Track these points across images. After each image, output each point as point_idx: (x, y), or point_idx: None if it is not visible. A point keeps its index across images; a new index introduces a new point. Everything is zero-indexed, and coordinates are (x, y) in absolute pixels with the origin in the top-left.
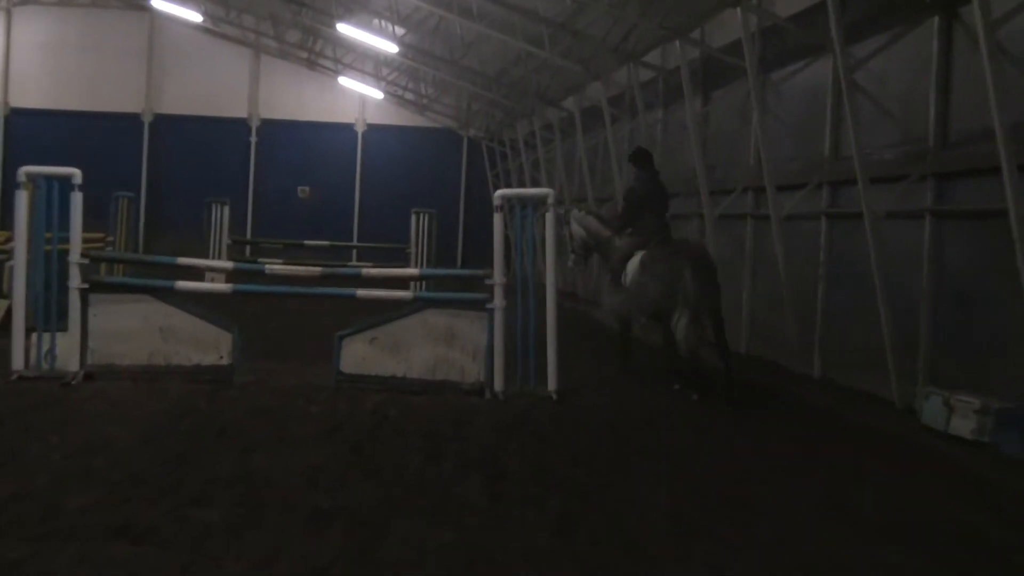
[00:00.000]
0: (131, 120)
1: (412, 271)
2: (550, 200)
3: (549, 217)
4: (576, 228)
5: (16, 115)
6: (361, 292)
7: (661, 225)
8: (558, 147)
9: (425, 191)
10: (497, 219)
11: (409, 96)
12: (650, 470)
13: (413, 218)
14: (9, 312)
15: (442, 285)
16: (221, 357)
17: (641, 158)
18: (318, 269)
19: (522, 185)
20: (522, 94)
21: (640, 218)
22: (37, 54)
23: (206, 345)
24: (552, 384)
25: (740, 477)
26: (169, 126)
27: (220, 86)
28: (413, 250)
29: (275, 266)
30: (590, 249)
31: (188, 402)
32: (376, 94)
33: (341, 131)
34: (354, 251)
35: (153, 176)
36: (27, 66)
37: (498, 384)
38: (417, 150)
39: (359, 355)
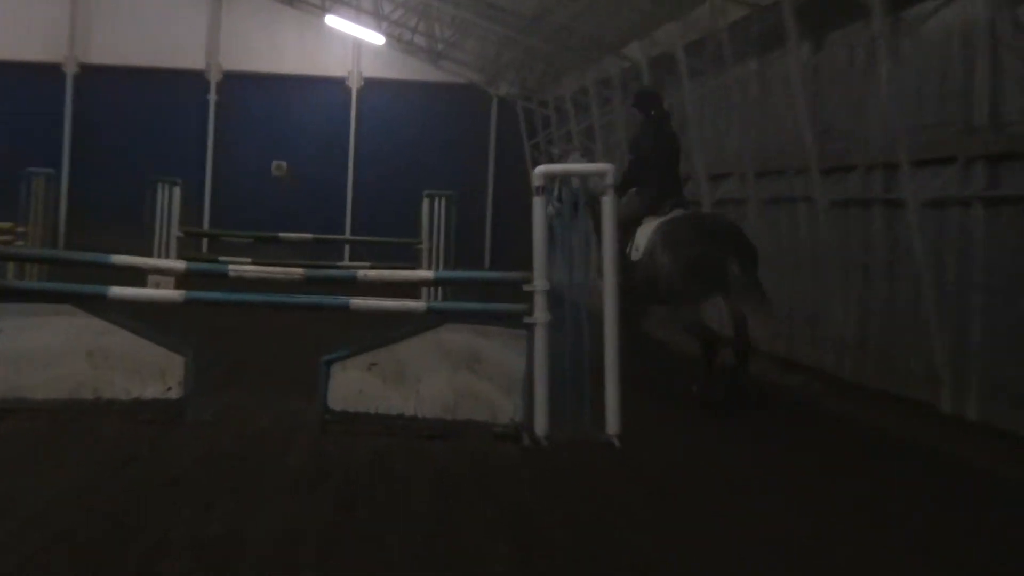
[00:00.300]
0: (49, 73)
1: (424, 273)
2: (609, 178)
3: (607, 202)
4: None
5: None
6: (356, 302)
7: (673, 185)
8: (618, 108)
9: (441, 168)
10: (538, 204)
11: (419, 41)
12: (755, 559)
13: (425, 203)
14: None
15: (464, 292)
16: (169, 388)
17: (647, 101)
18: (299, 271)
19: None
20: (570, 38)
21: (648, 175)
22: None
23: (149, 372)
24: (612, 426)
25: None
26: (100, 81)
27: (167, 28)
28: (425, 246)
29: (242, 267)
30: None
31: (126, 447)
32: (375, 38)
33: (329, 88)
34: (347, 247)
35: (79, 147)
36: None
37: (540, 426)
38: (430, 113)
39: (353, 386)
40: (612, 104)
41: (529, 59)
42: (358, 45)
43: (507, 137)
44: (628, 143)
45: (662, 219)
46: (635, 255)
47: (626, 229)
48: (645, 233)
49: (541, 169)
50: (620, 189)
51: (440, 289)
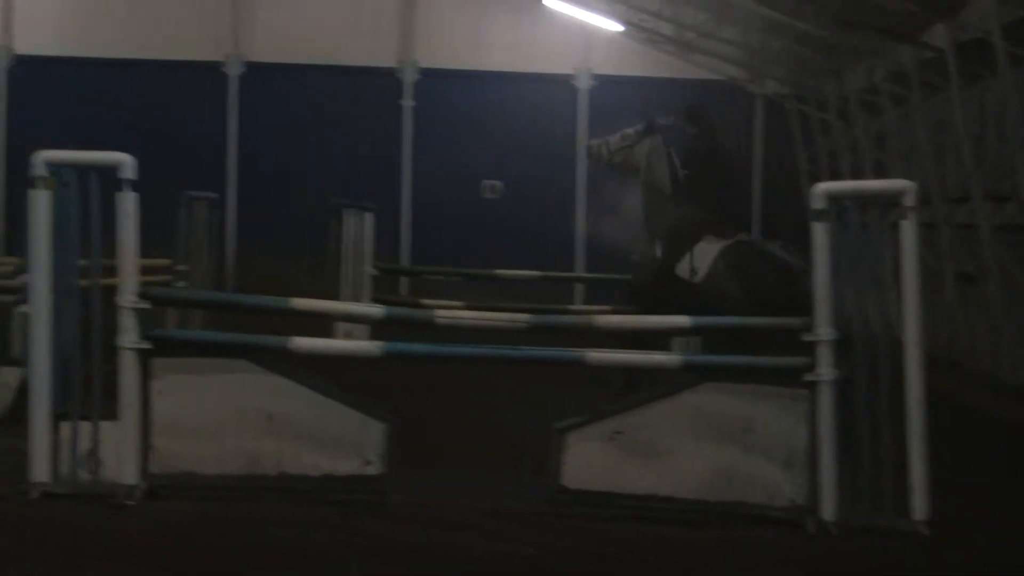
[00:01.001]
0: (209, 73)
1: (679, 320)
2: (908, 199)
3: (907, 227)
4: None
5: (23, 65)
6: (594, 355)
7: (727, 204)
8: (916, 109)
9: None
10: (821, 231)
11: (665, 30)
12: None
13: None
14: (23, 389)
15: (727, 343)
16: (368, 463)
17: (698, 116)
18: (523, 317)
19: (858, 174)
20: (854, 22)
21: (702, 192)
22: None
23: (343, 443)
24: (919, 510)
25: None
26: (268, 82)
27: (351, 18)
28: None
29: (451, 313)
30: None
31: (317, 540)
32: (610, 26)
33: (552, 87)
34: (577, 286)
35: (246, 163)
36: None
37: (828, 509)
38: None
39: (592, 460)
40: (908, 104)
41: (803, 49)
42: (588, 35)
43: (775, 145)
44: (683, 157)
45: (725, 243)
46: (693, 276)
47: (680, 244)
48: (708, 253)
49: (823, 188)
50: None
51: (698, 338)
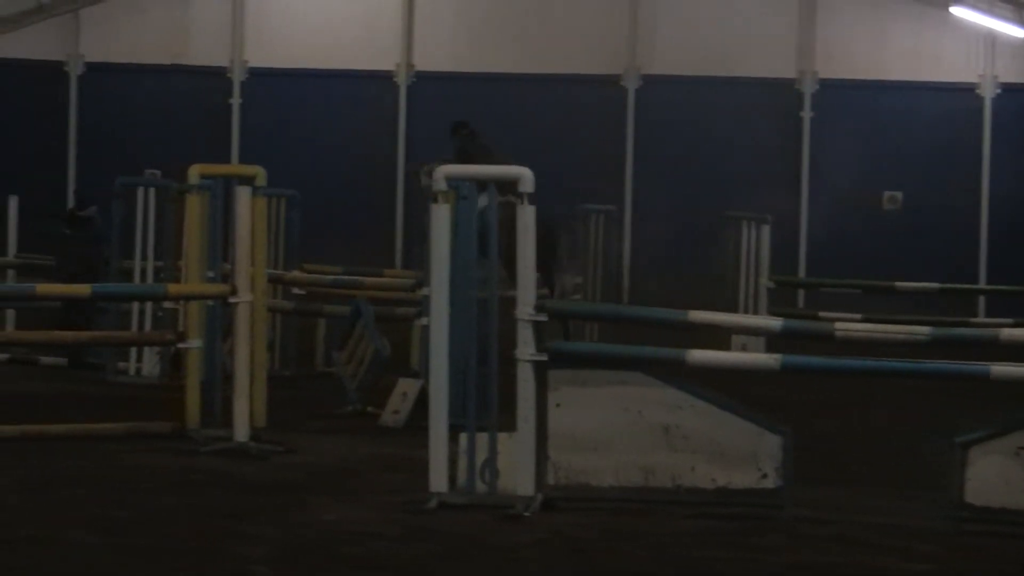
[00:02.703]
0: (606, 87)
1: None
2: None
3: None
4: None
5: (424, 82)
6: (1000, 369)
7: None
8: None
9: None
10: None
11: None
12: None
13: None
14: (422, 400)
15: None
16: (764, 476)
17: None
18: (924, 330)
19: None
20: None
21: None
22: None
23: (738, 455)
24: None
25: None
26: (664, 95)
27: (750, 29)
28: None
29: (849, 325)
30: None
31: (714, 560)
32: (1016, 31)
33: (954, 97)
34: (980, 299)
35: (641, 176)
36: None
37: None
38: None
39: (998, 476)
40: None
41: None
42: (993, 43)
43: None
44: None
45: None
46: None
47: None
48: None
49: None
50: None
51: None
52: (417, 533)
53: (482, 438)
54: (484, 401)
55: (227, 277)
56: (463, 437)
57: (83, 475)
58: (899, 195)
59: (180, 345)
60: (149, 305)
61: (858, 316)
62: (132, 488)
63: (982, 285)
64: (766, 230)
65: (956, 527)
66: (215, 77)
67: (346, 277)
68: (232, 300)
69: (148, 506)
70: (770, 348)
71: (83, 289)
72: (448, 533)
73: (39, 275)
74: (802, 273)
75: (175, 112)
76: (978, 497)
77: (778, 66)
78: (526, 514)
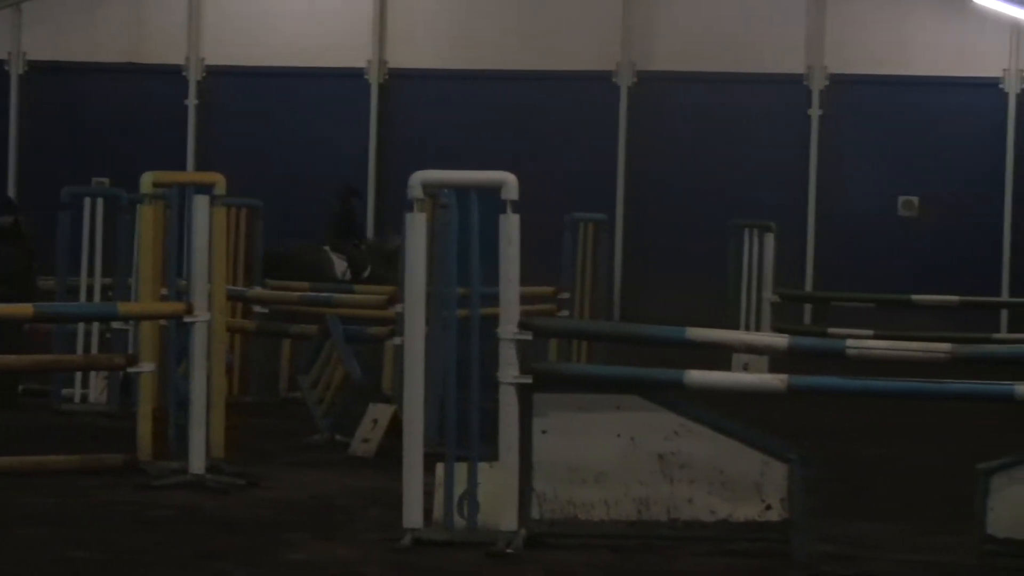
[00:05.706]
0: (599, 83)
1: None
2: None
3: None
4: None
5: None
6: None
7: None
8: None
9: None
10: None
11: None
12: None
13: None
14: (394, 425)
15: None
16: (768, 507)
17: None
18: (945, 347)
19: None
20: None
21: None
22: None
23: (740, 485)
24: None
25: None
26: (660, 93)
27: (754, 22)
28: None
29: (862, 343)
30: None
31: None
32: None
33: (977, 94)
34: (1003, 313)
35: (634, 181)
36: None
37: None
38: None
39: (1022, 505)
40: None
41: None
42: (1018, 35)
43: None
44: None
45: None
46: None
47: None
48: None
49: None
50: None
51: None
52: (404, 572)
53: (461, 468)
54: (464, 428)
55: (183, 295)
56: (439, 467)
57: (37, 512)
58: (915, 200)
59: (131, 369)
60: (96, 326)
61: (870, 332)
62: (93, 526)
63: (1005, 298)
64: (770, 239)
65: (983, 562)
66: (170, 76)
67: (313, 294)
68: (188, 319)
69: (113, 546)
70: (775, 367)
71: (25, 309)
72: (436, 570)
73: None
74: (809, 286)
75: (126, 115)
76: (1003, 529)
77: (784, 60)
78: (509, 551)
